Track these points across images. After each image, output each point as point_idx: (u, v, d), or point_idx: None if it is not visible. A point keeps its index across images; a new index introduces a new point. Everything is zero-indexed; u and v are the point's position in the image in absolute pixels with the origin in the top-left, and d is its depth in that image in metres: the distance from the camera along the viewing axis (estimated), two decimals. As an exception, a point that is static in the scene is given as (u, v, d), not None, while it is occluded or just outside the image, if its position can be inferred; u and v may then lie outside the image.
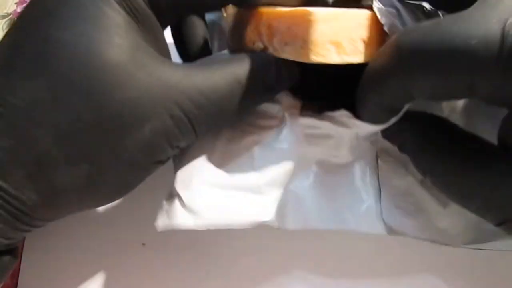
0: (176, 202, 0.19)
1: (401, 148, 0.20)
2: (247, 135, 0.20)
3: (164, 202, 0.19)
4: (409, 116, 0.18)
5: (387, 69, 0.16)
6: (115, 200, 0.19)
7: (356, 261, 0.23)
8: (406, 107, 0.18)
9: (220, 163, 0.20)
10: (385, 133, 0.20)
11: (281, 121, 0.20)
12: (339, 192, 0.21)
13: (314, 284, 0.23)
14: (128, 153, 0.17)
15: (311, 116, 0.20)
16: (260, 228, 0.19)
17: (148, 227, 0.24)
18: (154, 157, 0.17)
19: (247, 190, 0.19)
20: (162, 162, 0.18)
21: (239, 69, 0.18)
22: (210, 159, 0.20)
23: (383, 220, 0.20)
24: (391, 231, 0.20)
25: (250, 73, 0.18)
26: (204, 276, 0.23)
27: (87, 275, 0.23)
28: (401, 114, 0.18)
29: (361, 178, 0.21)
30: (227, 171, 0.20)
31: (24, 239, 0.24)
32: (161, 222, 0.19)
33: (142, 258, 0.24)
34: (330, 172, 0.21)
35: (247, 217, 0.19)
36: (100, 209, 0.25)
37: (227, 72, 0.18)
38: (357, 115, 0.19)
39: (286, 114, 0.20)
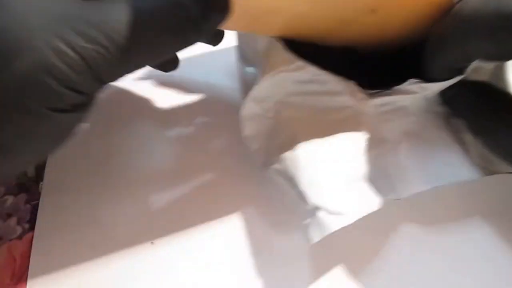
0: (321, 212, 0.20)
1: (457, 113, 0.22)
2: (336, 129, 0.22)
3: (309, 219, 0.21)
4: (467, 83, 0.21)
5: (449, 32, 0.19)
6: (30, 162, 0.17)
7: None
8: (470, 67, 0.19)
9: (329, 163, 0.22)
10: (445, 98, 0.22)
11: (354, 109, 0.22)
12: (429, 153, 0.23)
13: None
14: (9, 92, 0.15)
15: (379, 95, 0.22)
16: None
17: (157, 226, 0.24)
18: (46, 101, 0.16)
19: (361, 179, 0.22)
20: (72, 112, 0.16)
21: (143, 1, 0.16)
22: (323, 163, 0.22)
23: (477, 165, 0.22)
24: (488, 171, 0.22)
25: (158, 6, 0.16)
26: (213, 274, 0.23)
27: (95, 273, 0.23)
28: (465, 74, 0.20)
29: (441, 137, 0.23)
30: (339, 168, 0.22)
31: (32, 239, 0.24)
32: (316, 235, 0.20)
33: (151, 256, 0.23)
34: (414, 138, 0.23)
35: (373, 200, 0.21)
36: (109, 207, 0.25)
37: (129, 6, 0.16)
38: (423, 77, 0.20)
39: (356, 101, 0.22)
